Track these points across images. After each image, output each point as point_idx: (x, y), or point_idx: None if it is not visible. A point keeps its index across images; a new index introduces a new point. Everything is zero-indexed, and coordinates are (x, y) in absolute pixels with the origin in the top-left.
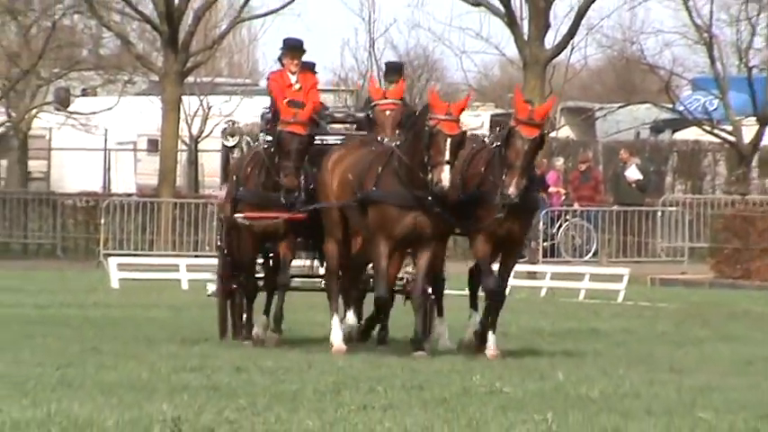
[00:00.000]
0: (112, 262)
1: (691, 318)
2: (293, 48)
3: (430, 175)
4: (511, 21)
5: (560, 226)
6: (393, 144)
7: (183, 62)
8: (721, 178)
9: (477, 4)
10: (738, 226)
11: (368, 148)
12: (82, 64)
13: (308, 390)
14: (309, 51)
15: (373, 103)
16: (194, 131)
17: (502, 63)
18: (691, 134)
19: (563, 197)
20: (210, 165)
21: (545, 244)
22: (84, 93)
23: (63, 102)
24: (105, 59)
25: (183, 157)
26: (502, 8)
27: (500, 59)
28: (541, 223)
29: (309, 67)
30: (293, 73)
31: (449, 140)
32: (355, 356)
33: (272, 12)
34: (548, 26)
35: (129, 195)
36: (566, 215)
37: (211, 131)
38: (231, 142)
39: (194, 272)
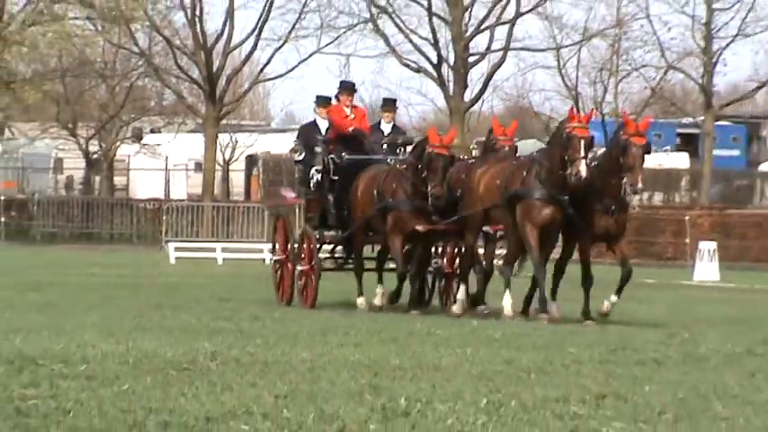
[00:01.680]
0: (171, 246)
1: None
2: (348, 88)
3: (569, 170)
4: (441, 82)
5: None
6: (534, 155)
7: (218, 110)
8: None
9: (418, 71)
10: None
11: (508, 162)
12: (150, 111)
13: (303, 333)
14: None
15: (493, 139)
16: (227, 157)
17: (435, 111)
18: None
19: None
20: (237, 180)
21: None
22: (152, 131)
23: (137, 137)
24: (166, 108)
25: (218, 175)
26: (435, 74)
27: (433, 109)
28: None
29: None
30: (347, 107)
31: (582, 141)
32: (334, 311)
33: (280, 76)
34: (466, 86)
35: (182, 201)
36: None
37: (238, 158)
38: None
39: (227, 252)
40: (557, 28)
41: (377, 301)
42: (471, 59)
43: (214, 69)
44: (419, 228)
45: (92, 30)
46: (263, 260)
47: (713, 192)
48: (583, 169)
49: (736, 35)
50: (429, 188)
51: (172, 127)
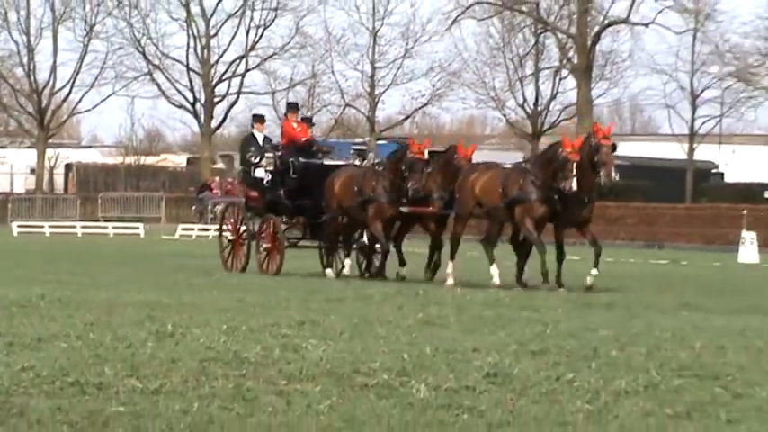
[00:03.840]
0: (14, 224)
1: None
2: (294, 106)
3: (563, 184)
4: (195, 115)
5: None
6: (524, 165)
7: (46, 133)
8: None
9: (180, 108)
10: None
11: (499, 169)
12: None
13: (104, 282)
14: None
15: (457, 157)
16: (52, 165)
17: (192, 134)
18: None
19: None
20: (59, 180)
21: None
22: (1, 147)
23: None
24: (11, 131)
25: (46, 177)
26: (192, 109)
27: (191, 132)
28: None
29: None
30: (294, 122)
31: (575, 164)
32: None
33: (88, 110)
34: (212, 117)
35: (22, 194)
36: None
37: (59, 165)
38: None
39: (52, 228)
40: (272, 79)
41: (346, 271)
42: (216, 100)
43: (43, 106)
44: (404, 210)
45: None
46: (77, 234)
47: None
48: (574, 185)
49: (390, 84)
50: (410, 184)
51: (14, 144)
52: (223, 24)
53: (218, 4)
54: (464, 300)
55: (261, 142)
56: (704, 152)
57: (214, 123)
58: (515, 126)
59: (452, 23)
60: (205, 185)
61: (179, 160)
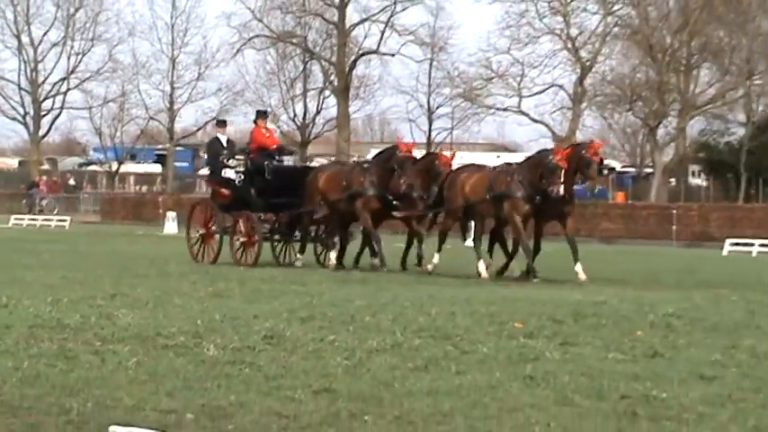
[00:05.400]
0: None
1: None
2: (263, 113)
3: (551, 188)
4: (26, 126)
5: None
6: (513, 166)
7: None
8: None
9: (13, 119)
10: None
11: (487, 170)
12: None
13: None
14: None
15: (437, 166)
16: None
17: (23, 141)
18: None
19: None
20: None
21: None
22: None
23: None
24: None
25: None
26: (23, 121)
27: (22, 140)
28: None
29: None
30: (263, 128)
31: (562, 171)
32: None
33: None
34: (39, 128)
35: None
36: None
37: None
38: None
39: None
40: (89, 97)
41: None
42: (43, 113)
43: None
44: (396, 214)
45: None
46: None
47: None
48: (561, 190)
49: (186, 101)
50: (402, 180)
51: None
52: (49, 52)
53: (44, 34)
54: (246, 276)
55: (225, 144)
56: None
57: (41, 132)
58: (288, 136)
59: (237, 52)
60: (34, 183)
61: (12, 162)
